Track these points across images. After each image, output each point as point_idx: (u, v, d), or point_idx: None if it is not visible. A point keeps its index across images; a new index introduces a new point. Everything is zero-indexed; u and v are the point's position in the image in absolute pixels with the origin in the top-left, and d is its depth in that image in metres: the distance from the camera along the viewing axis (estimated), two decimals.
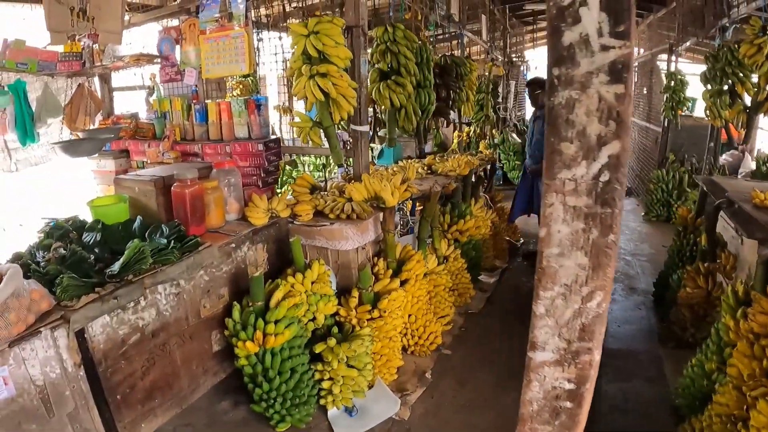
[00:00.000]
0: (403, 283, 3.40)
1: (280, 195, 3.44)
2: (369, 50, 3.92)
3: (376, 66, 3.96)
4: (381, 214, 3.40)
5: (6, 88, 4.53)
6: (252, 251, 3.12)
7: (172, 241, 2.72)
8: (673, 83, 6.36)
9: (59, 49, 4.65)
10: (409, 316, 3.49)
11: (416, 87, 4.11)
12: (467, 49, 8.81)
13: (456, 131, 7.76)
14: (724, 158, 6.84)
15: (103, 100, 5.33)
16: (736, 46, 4.19)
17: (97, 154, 4.78)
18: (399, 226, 4.21)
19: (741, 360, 2.19)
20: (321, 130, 3.42)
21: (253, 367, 2.80)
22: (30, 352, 2.08)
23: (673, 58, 6.60)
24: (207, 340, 2.93)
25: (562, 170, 1.04)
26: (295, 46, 3.26)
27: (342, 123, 3.85)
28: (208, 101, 4.33)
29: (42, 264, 2.54)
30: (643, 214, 7.29)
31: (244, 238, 3.08)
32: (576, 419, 1.22)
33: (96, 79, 5.33)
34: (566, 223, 1.07)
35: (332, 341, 2.93)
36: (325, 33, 3.15)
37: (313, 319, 3.08)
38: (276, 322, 2.78)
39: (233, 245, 3.00)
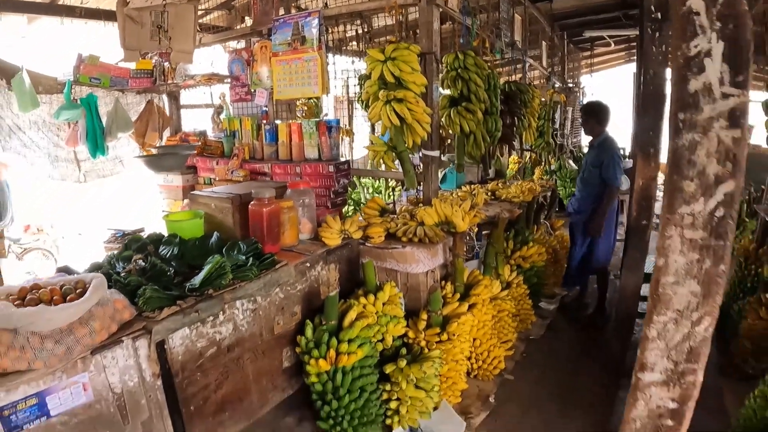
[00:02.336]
0: (470, 307, 3.38)
1: (351, 217, 3.48)
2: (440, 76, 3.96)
3: (447, 92, 4.00)
4: (451, 239, 3.40)
5: (78, 102, 4.74)
6: (325, 271, 3.15)
7: (251, 258, 2.78)
8: None
9: (131, 65, 4.84)
10: (474, 339, 3.47)
11: (484, 113, 4.13)
12: (530, 74, 8.86)
13: (512, 157, 7.72)
14: None
15: (171, 117, 5.53)
16: None
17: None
18: (471, 251, 4.21)
19: None
20: (393, 154, 3.45)
21: (323, 385, 2.81)
22: (111, 360, 2.15)
23: None
24: (278, 356, 2.96)
25: (682, 206, 1.18)
26: (372, 71, 3.33)
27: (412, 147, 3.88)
28: (278, 122, 4.44)
29: (123, 275, 2.62)
30: None
31: (318, 257, 3.11)
32: None
33: (164, 97, 5.54)
34: (683, 254, 1.20)
35: (402, 362, 2.92)
36: (402, 59, 3.21)
37: (382, 340, 3.08)
38: (349, 341, 2.80)
39: (308, 264, 3.04)
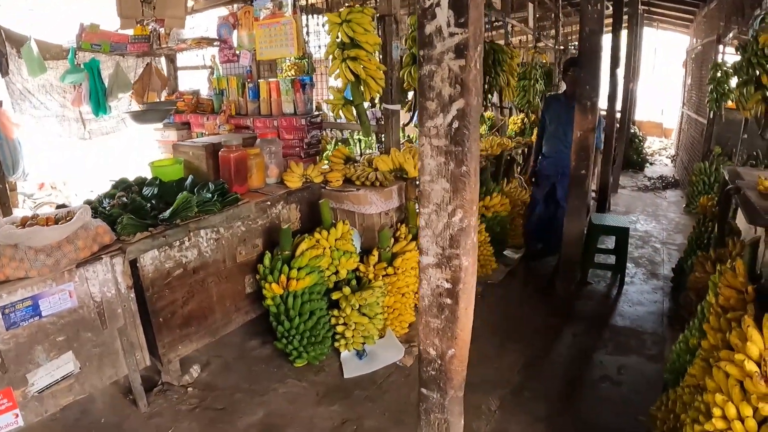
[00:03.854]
0: None
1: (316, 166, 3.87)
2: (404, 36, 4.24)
3: (410, 51, 4.30)
4: (404, 184, 3.75)
5: (82, 66, 5.23)
6: (286, 210, 3.56)
7: (216, 196, 3.20)
8: (718, 74, 6.30)
9: (130, 32, 5.29)
10: None
11: None
12: (518, 38, 8.98)
13: (511, 117, 7.94)
14: None
15: (168, 78, 5.96)
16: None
17: (162, 125, 5.43)
18: None
19: (709, 332, 2.31)
20: (353, 107, 3.80)
21: (277, 307, 3.25)
22: (92, 273, 2.63)
23: (720, 49, 6.53)
24: (241, 282, 3.41)
25: (428, 121, 1.51)
26: (331, 32, 3.66)
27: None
28: (261, 80, 4.80)
29: (107, 208, 3.08)
30: (684, 205, 7.27)
31: (279, 197, 3.53)
32: (456, 314, 1.64)
33: (163, 59, 5.95)
34: (433, 158, 1.54)
35: (347, 290, 3.33)
36: (356, 21, 3.53)
37: (336, 273, 3.48)
38: (299, 269, 3.21)
39: (268, 203, 3.45)
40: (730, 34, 6.15)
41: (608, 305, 4.29)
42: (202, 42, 5.07)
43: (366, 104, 3.84)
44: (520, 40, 8.55)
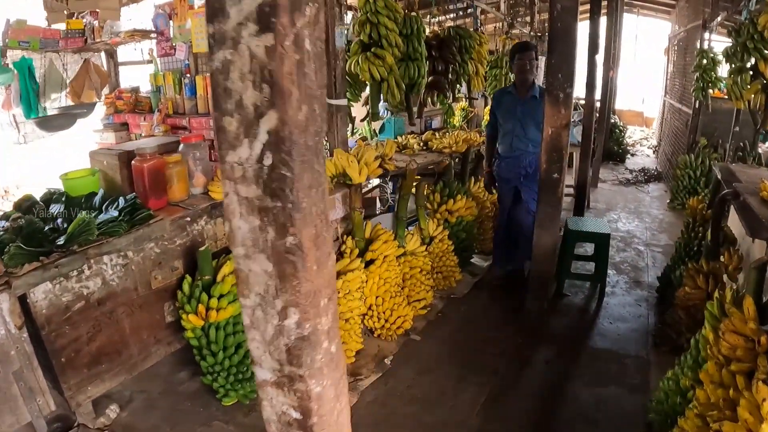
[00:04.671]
0: (369, 263, 3.30)
1: None
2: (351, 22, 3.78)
3: (358, 38, 3.82)
4: (348, 191, 3.30)
5: (11, 66, 4.70)
6: (210, 225, 3.09)
7: (123, 214, 2.72)
8: (705, 62, 5.89)
9: (62, 26, 4.77)
10: (376, 297, 3.39)
11: (404, 60, 3.95)
12: (492, 25, 8.50)
13: (459, 105, 7.40)
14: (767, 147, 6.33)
15: (109, 74, 5.42)
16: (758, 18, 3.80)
17: (102, 126, 4.94)
18: (386, 204, 4.09)
19: (707, 385, 1.89)
20: None
21: (198, 340, 2.79)
22: None
23: (707, 35, 6.11)
24: (159, 310, 2.94)
25: (229, 152, 0.82)
26: None
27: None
28: (198, 76, 4.31)
29: (0, 233, 2.60)
30: (668, 201, 6.86)
31: (202, 211, 3.05)
32: None
33: (102, 55, 5.42)
34: (244, 218, 0.85)
35: None
36: None
37: None
38: (221, 296, 2.75)
39: (188, 219, 2.98)
40: (718, 18, 5.74)
41: (586, 322, 3.83)
42: (136, 34, 4.57)
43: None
44: (495, 27, 8.06)
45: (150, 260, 2.83)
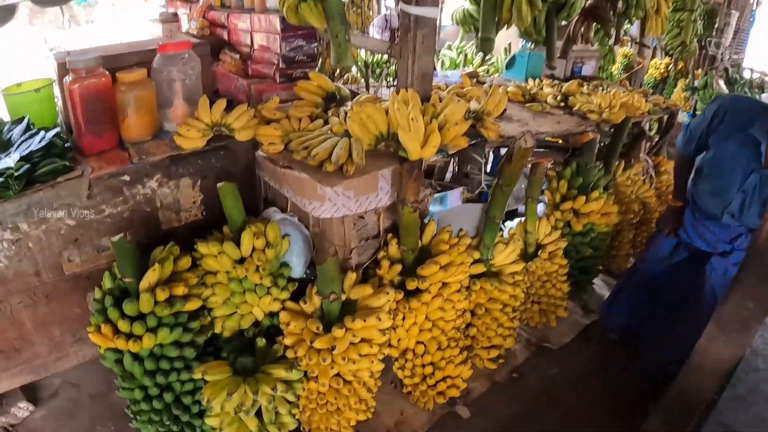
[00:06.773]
0: (409, 294, 2.04)
1: (265, 104, 2.21)
2: None
3: None
4: (397, 167, 2.01)
5: None
6: (168, 189, 2.02)
7: (26, 163, 1.71)
8: None
9: None
10: (417, 343, 2.16)
11: None
12: None
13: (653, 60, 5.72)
14: None
15: None
16: None
17: (158, 16, 3.94)
18: (475, 187, 2.68)
19: None
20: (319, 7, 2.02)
21: (113, 364, 1.81)
22: None
23: None
24: (79, 302, 2.03)
25: None
26: None
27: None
28: None
29: None
30: None
31: (154, 167, 1.97)
32: None
33: None
34: None
35: (217, 370, 1.76)
36: None
37: (244, 315, 1.94)
38: (142, 315, 1.68)
39: (126, 177, 1.91)
40: None
41: None
42: None
43: None
44: None
45: (59, 236, 1.87)
